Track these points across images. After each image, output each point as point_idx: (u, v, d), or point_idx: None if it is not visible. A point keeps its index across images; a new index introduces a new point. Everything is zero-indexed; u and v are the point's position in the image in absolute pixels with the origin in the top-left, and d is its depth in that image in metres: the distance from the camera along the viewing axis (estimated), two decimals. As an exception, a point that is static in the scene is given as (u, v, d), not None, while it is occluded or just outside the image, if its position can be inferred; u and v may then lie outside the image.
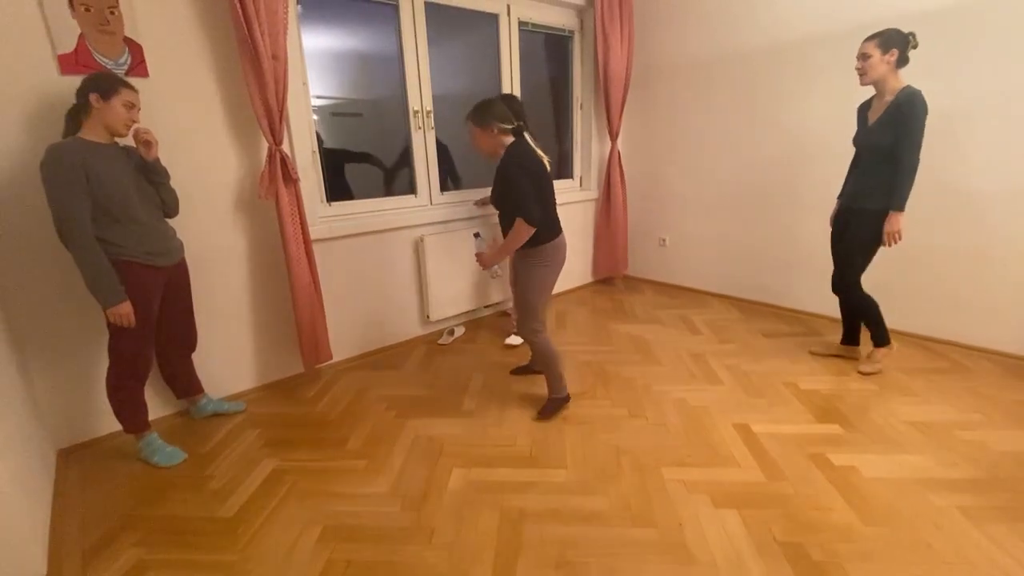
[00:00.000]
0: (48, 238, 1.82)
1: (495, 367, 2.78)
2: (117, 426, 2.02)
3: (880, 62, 2.13)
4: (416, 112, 3.00)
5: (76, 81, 1.74)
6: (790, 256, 3.31)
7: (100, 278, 1.71)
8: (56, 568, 1.49)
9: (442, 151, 3.21)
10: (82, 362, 2.09)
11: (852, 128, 2.86)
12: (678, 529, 1.55)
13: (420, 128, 3.03)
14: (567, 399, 2.27)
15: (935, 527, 1.50)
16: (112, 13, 1.96)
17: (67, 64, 1.89)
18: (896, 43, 2.11)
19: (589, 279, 4.31)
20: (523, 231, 1.90)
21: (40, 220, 1.86)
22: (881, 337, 2.47)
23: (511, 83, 3.48)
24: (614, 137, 3.86)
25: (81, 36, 1.91)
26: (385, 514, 1.67)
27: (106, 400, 1.94)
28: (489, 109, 1.97)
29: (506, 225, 2.05)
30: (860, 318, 2.56)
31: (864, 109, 2.37)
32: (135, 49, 2.03)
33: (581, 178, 4.16)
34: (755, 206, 3.43)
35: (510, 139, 1.98)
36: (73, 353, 2.07)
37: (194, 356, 2.26)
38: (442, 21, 3.05)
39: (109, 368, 1.91)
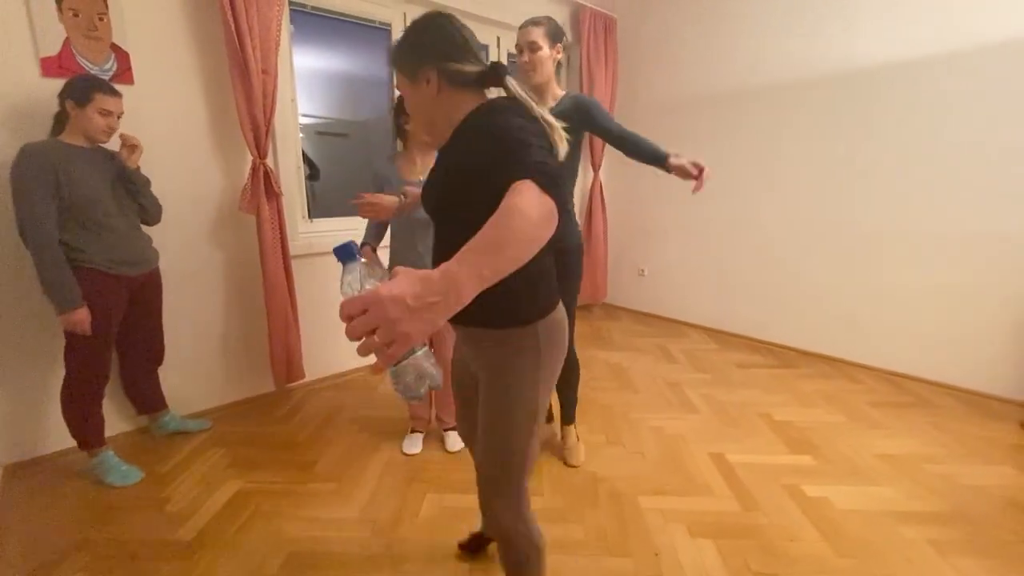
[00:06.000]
0: (10, 240, 1.75)
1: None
2: (71, 441, 1.91)
3: (549, 58, 1.74)
4: (403, 134, 3.02)
5: (58, 84, 1.72)
6: (766, 289, 3.40)
7: (56, 281, 1.65)
8: (-9, 594, 1.38)
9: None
10: (37, 371, 1.98)
11: (822, 167, 3.02)
12: (654, 559, 1.53)
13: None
14: None
15: (905, 560, 1.51)
16: (100, 19, 1.95)
17: (49, 67, 1.87)
18: (559, 37, 1.76)
19: (568, 306, 4.33)
20: (536, 206, 0.66)
21: (5, 222, 1.79)
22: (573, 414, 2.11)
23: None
24: (596, 168, 3.96)
25: (66, 40, 1.89)
26: (353, 540, 1.61)
27: (60, 413, 1.84)
28: (424, 39, 0.91)
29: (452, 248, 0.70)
30: (571, 391, 2.08)
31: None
32: (121, 56, 2.01)
33: (563, 206, 4.22)
34: (732, 240, 3.53)
35: (476, 99, 0.93)
36: (28, 361, 1.96)
37: (159, 371, 2.17)
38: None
39: (64, 379, 1.82)
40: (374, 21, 2.81)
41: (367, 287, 0.57)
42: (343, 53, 2.90)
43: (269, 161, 2.35)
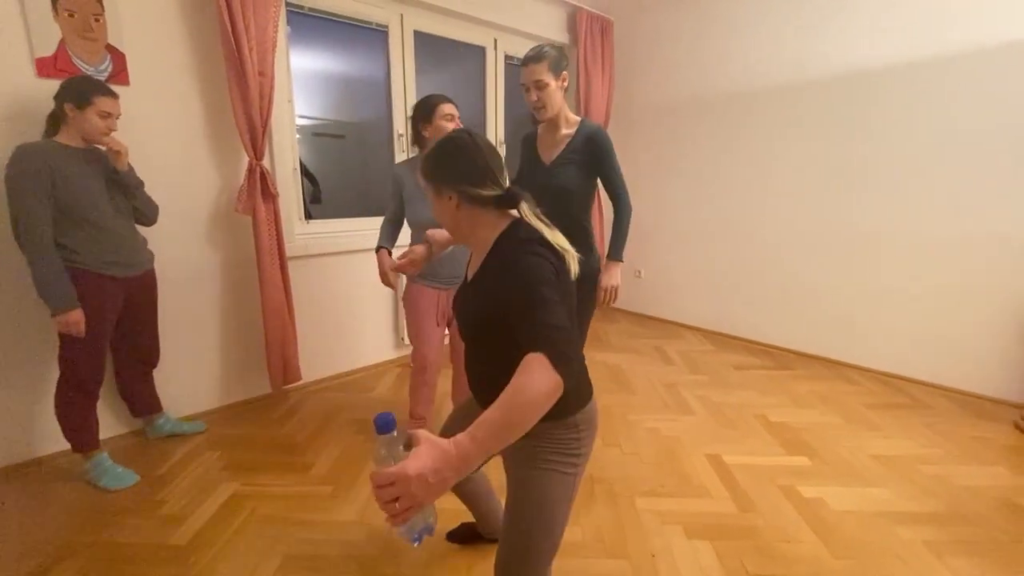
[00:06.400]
0: (4, 241, 1.74)
1: (469, 393, 2.74)
2: (64, 444, 1.90)
3: (557, 89, 1.72)
4: (401, 136, 3.03)
5: (53, 84, 1.71)
6: (762, 291, 3.41)
7: (51, 282, 1.65)
8: (-16, 599, 1.37)
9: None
10: (31, 374, 1.97)
11: (818, 169, 3.03)
12: (650, 560, 1.53)
13: (404, 152, 3.05)
14: None
15: (900, 560, 1.52)
16: (97, 20, 1.94)
17: (44, 67, 1.85)
18: (563, 64, 1.73)
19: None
20: (544, 387, 0.73)
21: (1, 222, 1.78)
22: None
23: (495, 114, 3.56)
24: (593, 170, 3.96)
25: (62, 41, 1.88)
26: (350, 543, 1.60)
27: (54, 415, 1.83)
28: (449, 162, 0.99)
29: (488, 378, 1.01)
30: None
31: (531, 141, 1.92)
32: (117, 57, 2.00)
33: (560, 208, 4.23)
34: (729, 242, 3.54)
35: (500, 220, 1.00)
36: (22, 363, 1.95)
37: (155, 373, 2.16)
38: (430, 50, 3.12)
39: (58, 381, 1.81)
40: (371, 23, 2.81)
41: (397, 452, 0.71)
42: (340, 54, 2.90)
43: (265, 162, 2.34)
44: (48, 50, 1.86)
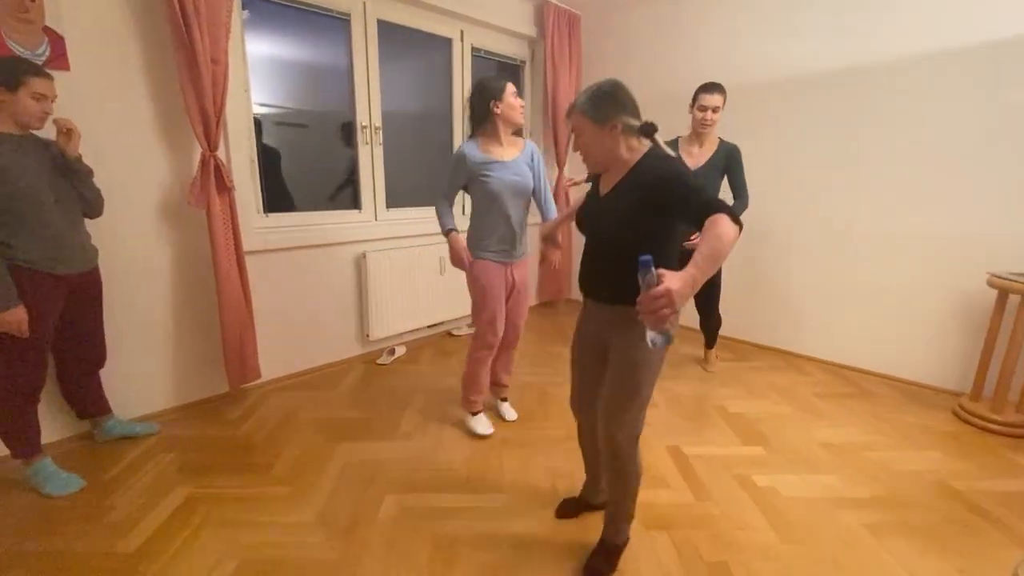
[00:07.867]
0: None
1: (436, 389, 2.73)
2: (4, 450, 1.80)
3: (720, 116, 2.48)
4: (364, 127, 2.96)
5: (-18, 68, 1.59)
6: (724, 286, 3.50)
7: None
8: (-89, 617, 1.29)
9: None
10: (-35, 377, 1.85)
11: (784, 170, 3.12)
12: (610, 552, 1.56)
13: (368, 143, 2.99)
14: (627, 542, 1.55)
15: (843, 543, 1.60)
16: (32, 0, 1.82)
17: (-27, 50, 1.73)
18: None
19: (534, 301, 4.36)
20: (733, 231, 1.07)
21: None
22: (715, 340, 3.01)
23: (462, 106, 3.52)
24: (561, 165, 3.98)
25: (-8, 21, 1.76)
26: (309, 545, 1.58)
27: (-9, 420, 1.73)
28: (614, 99, 1.29)
29: (609, 272, 1.33)
30: (717, 330, 2.96)
31: (673, 148, 2.33)
32: (56, 41, 1.89)
33: (528, 202, 4.23)
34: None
35: (641, 144, 1.32)
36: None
37: (101, 373, 2.07)
38: (395, 40, 3.06)
39: (-4, 384, 1.71)
40: (332, 11, 2.73)
41: (656, 282, 0.97)
42: (302, 42, 2.81)
43: (220, 153, 2.25)
44: (-23, 31, 1.74)
